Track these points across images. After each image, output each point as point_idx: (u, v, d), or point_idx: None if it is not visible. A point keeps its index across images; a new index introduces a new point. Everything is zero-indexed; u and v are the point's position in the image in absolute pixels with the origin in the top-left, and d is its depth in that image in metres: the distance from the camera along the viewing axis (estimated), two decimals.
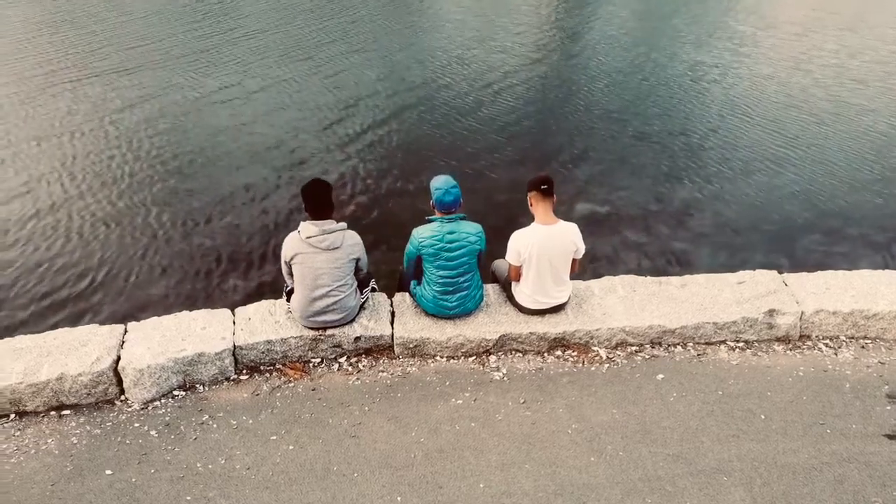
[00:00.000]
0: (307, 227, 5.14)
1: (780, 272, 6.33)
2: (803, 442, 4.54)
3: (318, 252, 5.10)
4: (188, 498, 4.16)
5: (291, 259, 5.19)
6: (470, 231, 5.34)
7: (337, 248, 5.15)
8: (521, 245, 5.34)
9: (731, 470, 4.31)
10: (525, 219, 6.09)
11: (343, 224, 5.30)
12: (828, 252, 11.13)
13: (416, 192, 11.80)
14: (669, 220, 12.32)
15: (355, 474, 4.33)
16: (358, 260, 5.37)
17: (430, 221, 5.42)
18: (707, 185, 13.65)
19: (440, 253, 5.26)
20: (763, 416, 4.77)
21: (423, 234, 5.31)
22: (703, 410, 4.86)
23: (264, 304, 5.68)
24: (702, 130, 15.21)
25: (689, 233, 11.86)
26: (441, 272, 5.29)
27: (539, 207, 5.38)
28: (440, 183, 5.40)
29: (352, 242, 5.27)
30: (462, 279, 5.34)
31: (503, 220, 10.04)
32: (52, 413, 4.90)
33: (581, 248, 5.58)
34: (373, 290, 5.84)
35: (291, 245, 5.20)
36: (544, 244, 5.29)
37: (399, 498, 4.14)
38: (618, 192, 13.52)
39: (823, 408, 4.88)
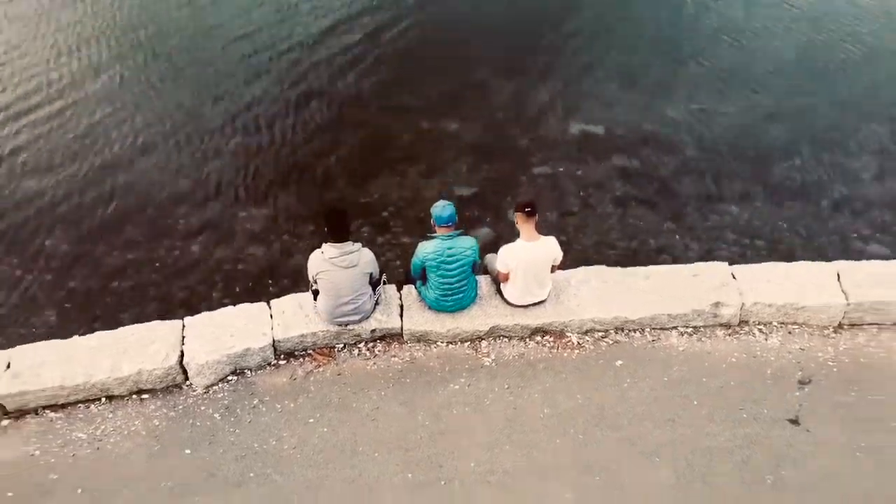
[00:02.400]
0: (329, 249, 6.06)
1: (730, 264, 7.28)
2: (723, 426, 5.78)
3: (340, 270, 6.07)
4: (251, 475, 5.48)
5: (316, 275, 6.17)
6: (466, 245, 6.28)
7: (355, 266, 6.11)
8: (509, 258, 6.31)
9: (664, 452, 5.59)
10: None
11: (358, 245, 6.22)
12: (803, 181, 11.91)
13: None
14: (659, 144, 12.96)
15: (376, 454, 5.63)
16: (371, 274, 6.35)
17: (431, 237, 6.35)
18: (697, 104, 14.11)
19: (441, 265, 6.23)
20: (696, 402, 5.99)
21: (426, 250, 6.26)
22: (650, 396, 6.07)
23: (295, 298, 6.75)
24: (699, 50, 15.38)
25: (675, 158, 12.56)
26: (442, 279, 6.30)
27: (524, 227, 6.29)
28: (438, 205, 6.28)
29: (366, 260, 6.23)
30: (459, 284, 6.37)
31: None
32: (135, 396, 6.15)
33: (559, 257, 6.54)
34: (384, 283, 6.86)
35: (316, 264, 6.16)
36: (528, 258, 6.26)
37: (410, 475, 5.45)
38: (613, 110, 14.00)
39: (745, 393, 6.08)
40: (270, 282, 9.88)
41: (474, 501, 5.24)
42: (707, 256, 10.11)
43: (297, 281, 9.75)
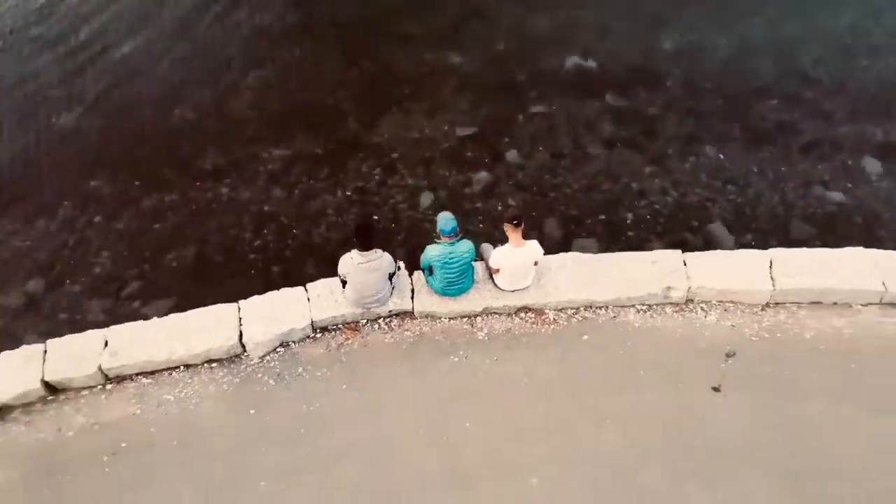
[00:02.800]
0: (357, 256, 7.43)
1: (684, 252, 8.62)
2: (661, 394, 7.45)
3: (366, 272, 7.47)
4: (302, 431, 7.25)
5: (345, 275, 7.58)
6: (464, 250, 7.64)
7: (377, 269, 7.50)
8: (500, 259, 7.72)
9: (616, 416, 7.30)
10: None
11: (380, 252, 7.57)
12: (779, 122, 12.85)
13: None
14: (650, 80, 13.75)
15: (396, 413, 7.37)
16: (391, 273, 7.74)
17: (437, 243, 7.69)
18: (692, 35, 14.62)
19: (445, 265, 7.62)
20: (643, 372, 7.62)
21: (433, 253, 7.62)
22: (608, 367, 7.70)
23: (326, 284, 8.21)
24: None
25: (663, 96, 13.44)
26: (445, 275, 7.72)
27: (512, 235, 7.62)
28: (443, 218, 7.56)
29: (387, 263, 7.61)
30: (459, 278, 7.80)
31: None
32: (206, 365, 7.81)
33: (540, 258, 7.91)
34: (398, 268, 8.26)
35: (345, 266, 7.55)
36: (515, 261, 7.65)
37: (422, 432, 7.21)
38: (609, 41, 14.61)
39: (682, 365, 7.70)
40: (294, 224, 11.33)
41: (469, 455, 7.06)
42: (681, 201, 11.49)
43: (318, 223, 11.22)
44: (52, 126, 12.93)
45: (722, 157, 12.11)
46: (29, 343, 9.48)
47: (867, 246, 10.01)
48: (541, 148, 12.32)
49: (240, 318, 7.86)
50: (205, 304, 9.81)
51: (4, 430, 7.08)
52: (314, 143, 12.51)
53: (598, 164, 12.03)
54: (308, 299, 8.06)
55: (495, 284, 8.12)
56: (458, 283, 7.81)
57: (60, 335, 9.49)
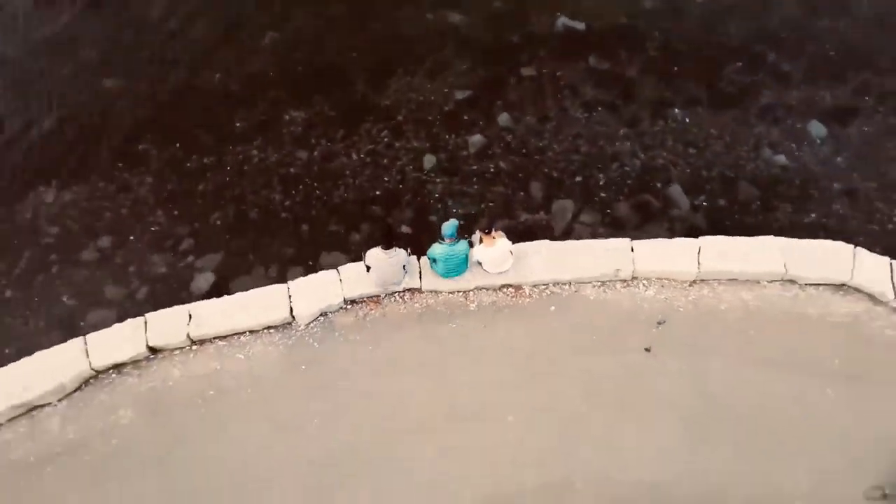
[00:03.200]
0: (381, 253, 9.51)
1: (632, 240, 10.69)
2: (607, 355, 9.82)
3: (388, 265, 9.61)
4: (341, 384, 9.73)
5: (371, 266, 9.72)
6: (461, 249, 9.73)
7: (397, 263, 9.64)
8: (479, 256, 9.85)
9: (573, 370, 9.72)
10: None
11: (398, 249, 9.64)
12: (742, 85, 14.37)
13: None
14: (630, 40, 15.12)
15: (410, 370, 9.80)
16: (405, 265, 9.89)
17: (441, 243, 9.77)
18: None
19: (446, 260, 9.74)
20: (595, 338, 9.96)
21: (438, 251, 9.71)
22: (568, 334, 10.02)
23: (355, 267, 10.32)
24: None
25: (641, 57, 14.91)
26: (446, 266, 9.86)
27: (485, 239, 9.70)
28: (446, 225, 9.59)
29: (403, 257, 9.70)
30: (457, 268, 9.95)
31: None
32: (265, 331, 10.17)
33: (511, 248, 10.00)
34: (409, 254, 10.37)
35: (372, 259, 9.65)
36: (491, 255, 9.80)
37: (427, 383, 9.67)
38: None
39: (624, 332, 10.00)
40: (317, 185, 13.31)
41: (462, 398, 9.55)
42: (648, 164, 13.37)
43: (337, 185, 13.17)
44: (98, 91, 14.57)
45: (688, 120, 13.83)
46: (108, 293, 11.97)
47: (798, 207, 12.21)
48: (529, 111, 14.04)
49: (290, 296, 10.14)
50: (246, 259, 12.21)
51: (122, 381, 9.57)
52: (329, 106, 14.21)
53: (578, 128, 13.79)
54: (340, 280, 10.29)
55: (483, 269, 10.34)
56: (455, 270, 10.00)
57: (130, 287, 11.96)
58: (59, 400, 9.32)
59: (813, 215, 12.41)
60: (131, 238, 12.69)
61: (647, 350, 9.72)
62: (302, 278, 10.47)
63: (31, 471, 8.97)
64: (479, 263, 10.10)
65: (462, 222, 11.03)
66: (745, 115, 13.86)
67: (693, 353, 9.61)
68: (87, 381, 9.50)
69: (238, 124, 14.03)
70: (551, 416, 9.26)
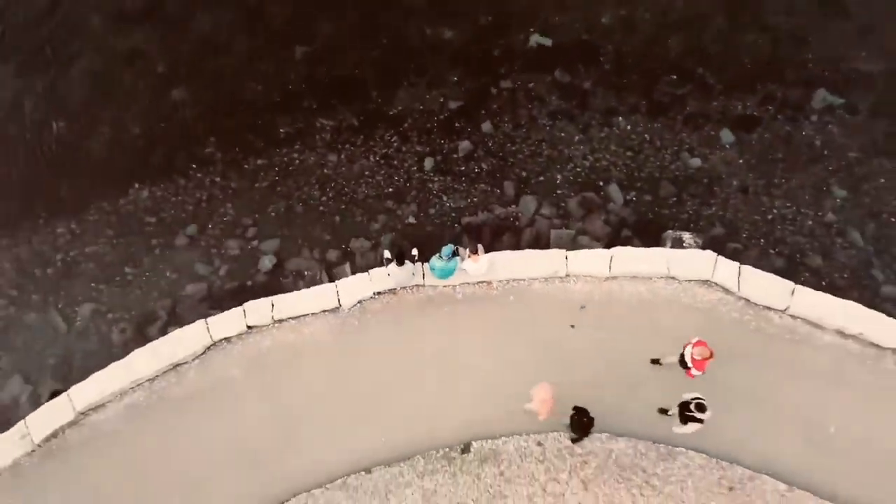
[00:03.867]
0: (395, 266, 13.95)
1: (567, 252, 15.06)
2: (545, 329, 14.48)
3: (401, 273, 14.06)
4: (374, 344, 14.58)
5: (390, 272, 14.23)
6: (452, 266, 14.05)
7: (408, 273, 14.13)
8: (466, 267, 14.32)
9: (522, 341, 14.48)
10: None
11: (409, 264, 14.06)
12: (673, 96, 18.06)
13: None
14: (588, 55, 18.66)
15: (418, 339, 14.63)
16: (413, 272, 14.41)
17: (440, 258, 14.19)
18: (624, 9, 18.81)
19: (442, 270, 14.21)
20: (539, 317, 14.62)
21: (436, 264, 13.98)
22: (522, 315, 14.62)
23: (383, 270, 14.76)
24: None
25: (597, 71, 18.51)
26: (441, 273, 14.37)
27: (472, 257, 14.09)
28: (445, 249, 13.93)
29: (411, 267, 14.11)
30: (448, 275, 14.48)
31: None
32: (322, 313, 14.85)
33: (488, 259, 14.48)
34: (415, 258, 14.81)
35: (391, 268, 14.07)
36: (474, 269, 14.21)
37: (429, 349, 14.50)
38: (564, 17, 18.97)
39: (561, 314, 14.64)
40: (344, 184, 17.58)
41: (453, 359, 14.36)
42: (594, 165, 17.46)
43: (360, 184, 17.38)
44: (167, 100, 18.44)
45: (629, 127, 17.78)
46: (198, 269, 16.64)
47: (703, 202, 16.53)
48: (506, 119, 17.99)
49: (337, 291, 14.77)
50: (296, 243, 16.71)
51: (231, 348, 14.38)
52: (351, 114, 18.15)
53: (543, 134, 17.78)
54: (370, 280, 14.88)
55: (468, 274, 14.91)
56: (448, 275, 14.53)
57: (214, 265, 16.61)
58: (194, 359, 14.32)
59: (713, 208, 16.76)
60: (209, 227, 17.17)
61: (573, 326, 14.52)
62: (345, 279, 15.09)
63: (178, 405, 14.13)
64: (465, 270, 14.74)
65: (454, 214, 15.67)
66: (673, 123, 17.76)
67: (602, 328, 14.39)
68: (209, 348, 14.43)
69: (281, 130, 18.05)
70: (506, 371, 14.15)
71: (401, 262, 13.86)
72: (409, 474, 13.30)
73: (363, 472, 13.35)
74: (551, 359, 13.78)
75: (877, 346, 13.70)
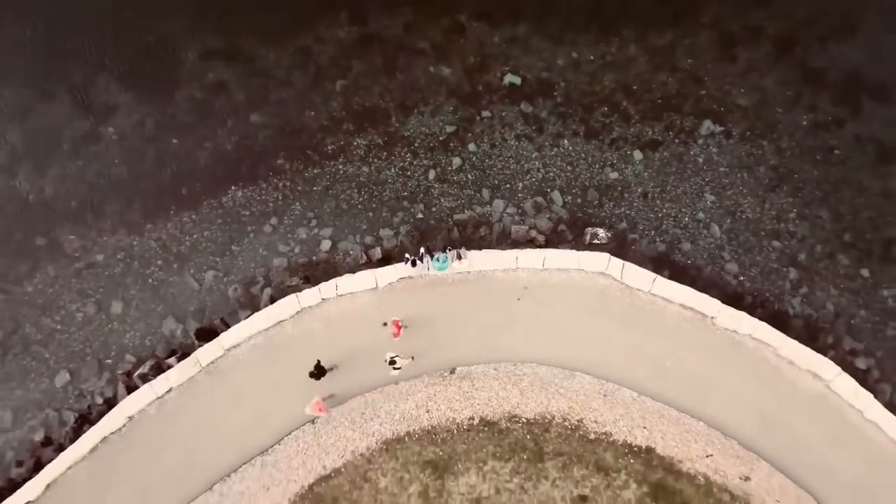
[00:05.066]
0: (411, 266, 22.41)
1: (517, 252, 23.38)
2: (501, 302, 23.20)
3: (415, 268, 22.57)
4: (400, 310, 23.46)
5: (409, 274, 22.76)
6: (445, 265, 22.51)
7: (420, 267, 22.64)
8: (454, 265, 22.83)
9: (486, 309, 23.25)
10: None
11: (419, 262, 22.50)
12: (600, 124, 25.70)
13: None
14: (547, 92, 25.93)
15: (427, 307, 23.44)
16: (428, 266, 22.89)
17: (438, 260, 22.59)
18: (576, 53, 25.95)
19: (441, 266, 22.65)
20: (497, 294, 23.25)
21: (436, 263, 22.45)
22: (486, 293, 23.28)
23: (404, 265, 23.25)
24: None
25: (551, 103, 25.94)
26: (439, 269, 22.83)
27: (458, 260, 22.53)
28: (441, 256, 22.30)
29: (424, 263, 22.60)
30: (445, 269, 22.95)
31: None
32: (363, 291, 23.62)
33: (466, 258, 22.93)
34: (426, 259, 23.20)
35: (409, 264, 22.57)
36: (459, 267, 22.75)
37: (431, 312, 23.39)
38: (529, 58, 26.02)
39: (512, 292, 23.21)
40: (374, 188, 25.72)
41: (445, 325, 23.32)
42: (545, 177, 25.48)
43: (386, 188, 25.58)
44: (248, 123, 26.09)
45: (571, 147, 25.52)
46: (279, 247, 25.38)
47: (615, 204, 24.74)
48: (485, 141, 25.73)
49: (375, 277, 23.32)
50: (344, 231, 25.23)
51: (312, 312, 23.23)
52: (377, 135, 25.87)
53: (511, 152, 25.57)
54: (395, 270, 23.42)
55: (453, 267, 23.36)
56: (443, 269, 22.99)
57: (290, 245, 25.31)
58: (290, 318, 23.36)
59: (622, 209, 24.97)
60: (285, 218, 25.54)
61: (519, 300, 23.35)
62: (380, 268, 23.64)
63: (282, 346, 23.38)
64: (454, 266, 23.24)
65: (448, 211, 24.06)
66: (601, 144, 25.44)
67: (538, 301, 23.25)
68: (297, 312, 23.44)
69: (328, 148, 25.88)
70: (473, 329, 23.15)
71: (414, 265, 22.57)
72: (420, 385, 22.80)
73: (392, 385, 22.87)
74: (503, 316, 22.84)
75: (702, 314, 22.60)
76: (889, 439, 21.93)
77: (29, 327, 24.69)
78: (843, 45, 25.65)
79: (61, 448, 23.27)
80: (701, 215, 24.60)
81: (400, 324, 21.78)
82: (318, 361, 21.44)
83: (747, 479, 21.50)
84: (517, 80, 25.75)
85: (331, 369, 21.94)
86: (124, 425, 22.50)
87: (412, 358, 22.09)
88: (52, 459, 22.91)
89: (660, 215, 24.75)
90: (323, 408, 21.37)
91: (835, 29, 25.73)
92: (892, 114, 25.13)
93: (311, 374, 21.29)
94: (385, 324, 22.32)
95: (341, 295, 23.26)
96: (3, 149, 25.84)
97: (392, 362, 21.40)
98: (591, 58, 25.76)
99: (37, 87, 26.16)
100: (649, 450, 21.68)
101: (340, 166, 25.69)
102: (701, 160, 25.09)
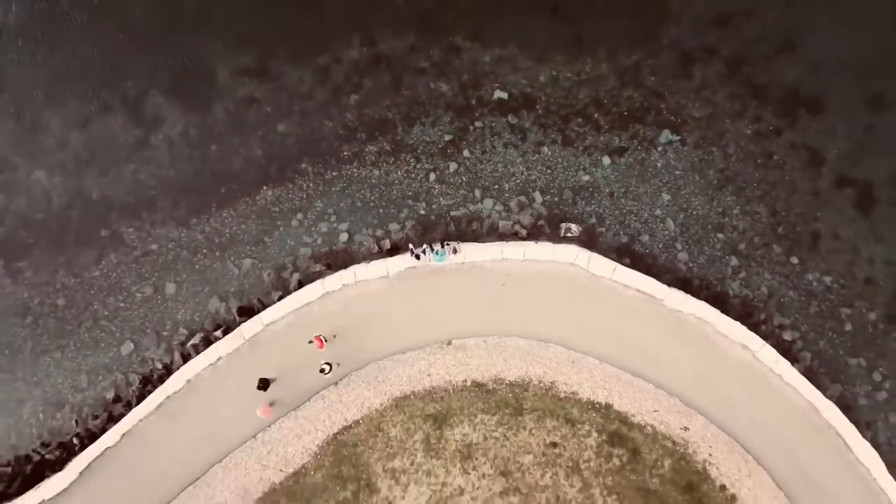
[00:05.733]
0: (414, 258, 27.19)
1: (502, 245, 28.10)
2: (486, 287, 27.97)
3: (419, 260, 27.38)
4: (410, 293, 28.34)
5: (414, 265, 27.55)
6: (442, 258, 27.25)
7: (424, 260, 27.43)
8: (450, 258, 27.62)
9: (474, 292, 28.10)
10: None
11: (422, 255, 27.29)
12: (580, 133, 30.35)
13: None
14: (529, 106, 30.44)
15: (427, 291, 28.30)
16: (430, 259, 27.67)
17: (437, 255, 27.32)
18: (555, 69, 30.40)
19: (439, 258, 27.41)
20: (484, 281, 28.01)
21: (437, 258, 27.22)
22: (476, 280, 28.09)
23: (410, 257, 28.04)
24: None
25: (533, 114, 30.50)
26: (438, 260, 27.60)
27: (453, 253, 27.31)
28: (440, 250, 27.08)
29: (426, 256, 27.35)
30: (443, 261, 27.71)
31: None
32: (378, 278, 28.49)
33: (461, 251, 27.72)
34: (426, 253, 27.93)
35: (413, 257, 27.37)
36: (454, 259, 27.55)
37: (432, 294, 28.23)
38: (516, 76, 30.48)
39: (498, 278, 28.01)
40: (383, 188, 30.44)
41: (439, 304, 28.14)
42: (527, 179, 30.12)
43: (395, 187, 30.32)
44: (276, 132, 30.65)
45: (550, 154, 30.00)
46: (305, 239, 30.25)
47: (587, 202, 29.50)
48: (477, 147, 30.28)
49: (387, 267, 28.07)
50: (358, 225, 30.04)
51: (334, 296, 27.89)
52: (386, 143, 30.43)
53: (499, 157, 30.16)
54: (403, 260, 28.19)
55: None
56: (441, 262, 27.70)
57: (313, 237, 30.20)
58: (316, 300, 28.35)
59: (592, 207, 29.64)
60: (308, 214, 30.25)
61: (503, 285, 28.19)
62: (390, 259, 28.43)
63: (308, 325, 28.42)
64: (450, 257, 27.95)
65: (446, 209, 28.85)
66: (576, 151, 29.94)
67: (520, 286, 28.10)
68: (322, 296, 28.32)
69: (344, 153, 30.44)
70: (470, 300, 28.01)
71: (418, 258, 27.41)
72: (422, 354, 27.90)
73: (400, 353, 27.93)
74: (491, 299, 27.78)
75: (653, 296, 27.54)
76: (802, 397, 27.05)
77: (97, 305, 29.68)
78: (785, 64, 29.84)
79: (129, 404, 28.54)
80: (658, 212, 29.23)
81: (322, 339, 26.76)
82: (261, 378, 26.80)
83: (686, 429, 26.71)
84: (505, 95, 30.11)
85: (273, 380, 27.20)
86: (183, 387, 27.72)
87: (338, 364, 27.22)
88: (122, 414, 28.20)
89: (624, 212, 29.38)
90: (269, 412, 26.78)
91: (777, 50, 29.89)
92: (824, 124, 29.50)
93: (258, 387, 26.61)
94: (310, 341, 27.05)
95: (359, 282, 28.17)
96: (70, 154, 30.45)
97: (322, 370, 26.67)
98: (568, 76, 30.04)
99: (97, 101, 30.59)
100: (608, 406, 26.86)
101: (355, 170, 30.24)
102: (659, 165, 29.60)
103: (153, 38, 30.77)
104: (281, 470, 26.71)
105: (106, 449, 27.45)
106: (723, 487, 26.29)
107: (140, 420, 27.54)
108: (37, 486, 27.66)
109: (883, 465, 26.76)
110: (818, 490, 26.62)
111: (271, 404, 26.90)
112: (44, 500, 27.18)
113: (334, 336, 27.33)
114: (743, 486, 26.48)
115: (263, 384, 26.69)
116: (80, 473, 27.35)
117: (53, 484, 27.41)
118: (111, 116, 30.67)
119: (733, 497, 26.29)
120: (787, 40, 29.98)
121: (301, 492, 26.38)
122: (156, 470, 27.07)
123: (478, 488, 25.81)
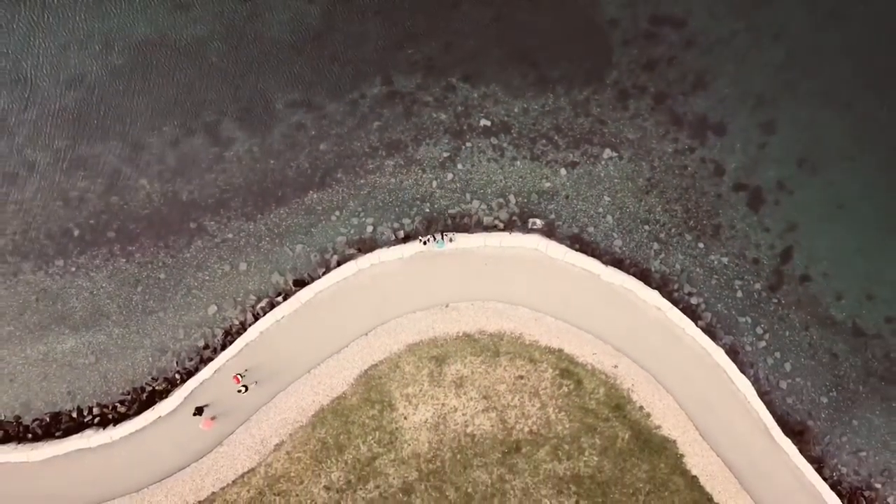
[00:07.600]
0: (422, 245, 37.40)
1: (485, 235, 38.33)
2: (473, 266, 38.31)
3: (426, 246, 37.63)
4: (420, 271, 38.64)
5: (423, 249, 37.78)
6: (441, 246, 37.45)
7: (430, 246, 37.72)
8: (447, 245, 37.92)
9: (465, 271, 38.40)
10: None
11: (427, 244, 37.50)
12: (548, 150, 40.69)
13: None
14: (507, 129, 40.82)
15: (427, 272, 38.58)
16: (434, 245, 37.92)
17: (438, 242, 37.51)
18: (528, 101, 40.70)
19: (440, 245, 37.57)
20: (472, 262, 38.19)
21: (437, 244, 37.35)
22: (466, 262, 38.18)
23: (418, 244, 38.27)
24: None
25: (509, 137, 40.84)
26: (439, 247, 37.81)
27: (449, 242, 37.64)
28: (440, 240, 37.27)
29: (431, 243, 37.63)
30: (443, 247, 37.91)
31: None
32: (393, 260, 38.82)
33: (454, 239, 38.00)
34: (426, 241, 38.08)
35: (420, 244, 37.60)
36: (450, 246, 37.79)
37: (434, 271, 38.55)
38: (497, 107, 40.82)
39: (481, 260, 38.42)
40: (398, 193, 40.78)
41: (438, 279, 38.38)
42: (505, 185, 40.37)
43: (405, 185, 40.66)
44: (317, 149, 40.87)
45: (521, 166, 40.17)
46: (341, 230, 40.91)
47: (547, 202, 39.91)
48: (468, 161, 40.44)
49: (402, 251, 38.36)
50: (380, 219, 40.57)
51: (362, 273, 38.05)
52: (399, 159, 40.60)
53: (486, 167, 40.34)
54: (412, 246, 38.37)
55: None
56: (441, 248, 37.79)
57: (348, 230, 40.82)
58: (352, 276, 38.79)
59: (552, 205, 39.88)
60: (343, 211, 40.56)
61: (486, 265, 38.52)
62: (405, 245, 38.71)
63: (341, 297, 38.94)
64: (448, 244, 38.10)
65: (445, 208, 39.24)
66: (542, 164, 39.81)
67: (497, 266, 38.44)
68: (355, 273, 38.58)
69: (369, 166, 40.56)
70: (460, 276, 38.41)
71: (425, 244, 37.86)
72: (427, 314, 38.42)
73: (411, 313, 38.49)
74: (476, 274, 38.21)
75: (595, 273, 38.03)
76: (699, 345, 37.66)
77: (189, 278, 40.13)
78: (698, 98, 39.68)
79: (215, 350, 39.30)
80: (601, 210, 39.42)
81: (239, 377, 36.80)
82: (196, 406, 37.11)
83: (616, 366, 37.36)
84: (489, 122, 40.05)
85: (206, 406, 37.74)
86: (256, 337, 38.49)
87: (255, 383, 37.41)
88: (210, 359, 38.96)
89: (575, 210, 39.52)
90: (210, 425, 37.05)
91: (693, 87, 39.68)
92: (727, 143, 39.38)
93: (194, 414, 36.96)
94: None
95: (382, 262, 38.66)
96: (166, 166, 40.75)
97: (239, 391, 36.77)
98: (536, 107, 39.95)
99: (184, 126, 40.79)
100: (560, 350, 37.43)
101: (377, 178, 40.34)
102: (602, 174, 39.66)
103: (226, 79, 40.77)
104: (327, 395, 37.58)
105: (203, 381, 38.30)
106: (641, 408, 36.99)
107: (226, 361, 38.34)
108: (152, 408, 38.62)
109: (755, 392, 37.43)
110: (710, 412, 37.31)
111: (213, 418, 37.30)
112: (160, 416, 38.16)
113: (246, 370, 37.74)
114: (655, 407, 37.21)
115: (198, 410, 37.18)
116: (184, 398, 38.26)
117: (163, 405, 38.32)
118: (195, 138, 40.81)
119: (648, 414, 37.02)
120: (700, 80, 39.76)
121: (341, 410, 37.21)
122: (234, 395, 37.96)
123: (467, 407, 36.64)
